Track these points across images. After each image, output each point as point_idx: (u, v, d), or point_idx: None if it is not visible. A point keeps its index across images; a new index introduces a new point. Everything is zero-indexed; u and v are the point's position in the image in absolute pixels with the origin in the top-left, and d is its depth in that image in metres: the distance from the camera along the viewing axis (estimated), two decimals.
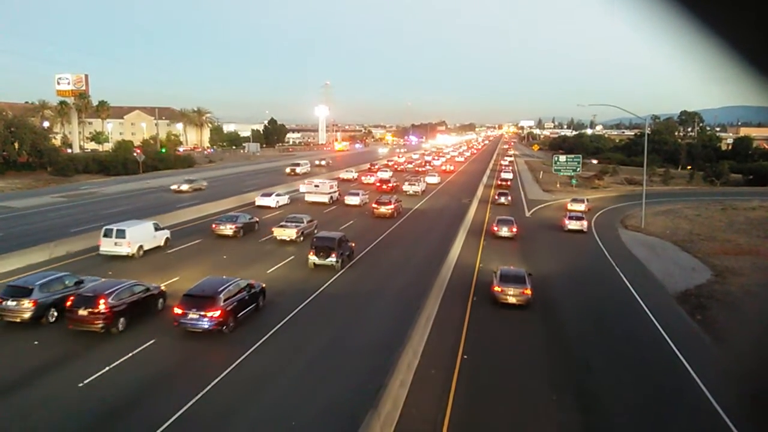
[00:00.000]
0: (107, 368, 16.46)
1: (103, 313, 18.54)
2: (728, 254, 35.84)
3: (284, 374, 16.70)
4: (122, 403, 14.64)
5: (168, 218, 38.13)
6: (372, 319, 21.96)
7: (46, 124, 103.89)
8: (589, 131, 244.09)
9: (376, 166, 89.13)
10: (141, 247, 30.12)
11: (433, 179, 73.30)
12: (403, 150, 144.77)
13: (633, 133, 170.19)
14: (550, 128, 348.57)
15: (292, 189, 57.17)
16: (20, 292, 19.52)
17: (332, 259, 27.82)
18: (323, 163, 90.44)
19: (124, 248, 29.13)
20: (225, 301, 19.24)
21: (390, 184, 62.09)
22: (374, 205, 46.22)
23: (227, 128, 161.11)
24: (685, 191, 78.95)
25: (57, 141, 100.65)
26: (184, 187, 56.47)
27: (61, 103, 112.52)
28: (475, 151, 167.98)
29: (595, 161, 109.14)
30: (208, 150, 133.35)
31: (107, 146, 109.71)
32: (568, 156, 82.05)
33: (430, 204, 55.64)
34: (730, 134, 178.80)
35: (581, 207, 51.58)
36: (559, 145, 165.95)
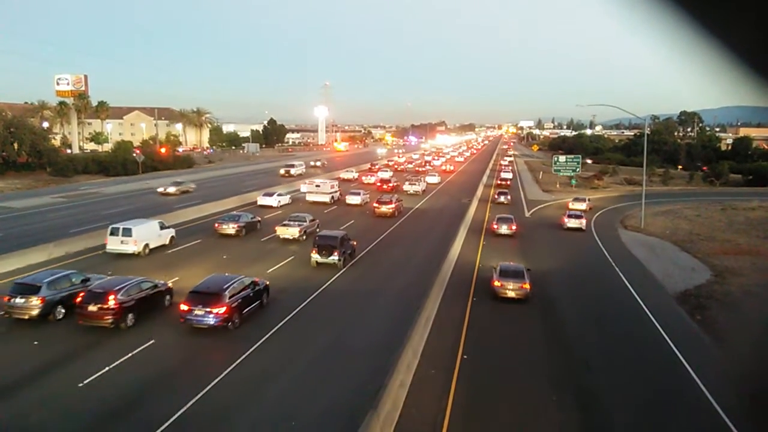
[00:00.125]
0: (118, 362, 16.84)
1: (112, 309, 18.98)
2: (728, 254, 35.85)
3: (286, 373, 16.83)
4: (122, 403, 14.73)
5: (169, 218, 38.09)
6: (373, 318, 22.11)
7: (45, 124, 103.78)
8: (588, 131, 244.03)
9: (377, 166, 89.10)
10: (147, 245, 30.52)
11: (434, 179, 73.78)
12: (401, 150, 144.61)
13: (632, 134, 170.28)
14: (550, 128, 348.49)
15: (293, 189, 57.33)
16: (28, 289, 19.83)
17: (334, 258, 28.17)
18: (318, 164, 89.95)
19: (131, 246, 29.55)
20: (230, 297, 19.58)
21: (391, 184, 62.53)
22: (375, 205, 46.61)
23: (227, 128, 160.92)
24: (684, 191, 78.99)
25: (56, 141, 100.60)
26: (171, 189, 54.67)
27: (61, 103, 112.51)
28: (474, 152, 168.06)
29: (589, 161, 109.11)
30: (208, 150, 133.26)
31: (107, 147, 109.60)
32: (568, 156, 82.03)
33: (430, 203, 56.04)
34: (730, 134, 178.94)
35: (583, 206, 52.26)
36: (558, 146, 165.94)
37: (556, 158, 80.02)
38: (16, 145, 71.16)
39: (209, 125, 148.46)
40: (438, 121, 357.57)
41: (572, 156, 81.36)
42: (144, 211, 41.99)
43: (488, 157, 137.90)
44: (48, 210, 45.63)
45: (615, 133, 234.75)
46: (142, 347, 18.09)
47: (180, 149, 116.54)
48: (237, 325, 19.77)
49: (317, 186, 52.18)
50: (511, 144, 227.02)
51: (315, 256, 28.37)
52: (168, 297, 22.03)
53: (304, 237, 34.65)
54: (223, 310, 19.07)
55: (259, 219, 38.98)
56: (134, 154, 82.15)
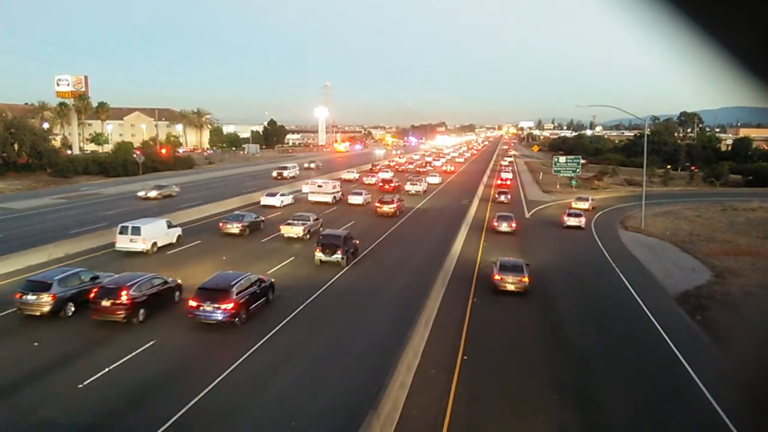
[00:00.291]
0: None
1: (124, 304, 19.54)
2: (728, 255, 35.87)
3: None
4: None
5: (172, 218, 38.15)
6: (376, 315, 22.34)
7: (45, 125, 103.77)
8: (588, 132, 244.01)
9: (378, 167, 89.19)
10: (155, 243, 31.21)
11: (435, 179, 74.44)
12: (399, 151, 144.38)
13: (633, 134, 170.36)
14: (550, 129, 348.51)
15: (296, 189, 57.74)
16: (40, 286, 20.27)
17: (338, 256, 28.54)
18: (313, 165, 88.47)
19: (139, 244, 30.27)
20: (237, 294, 20.02)
21: (392, 184, 63.13)
22: (377, 204, 47.08)
23: (227, 129, 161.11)
24: (684, 192, 79.03)
25: (57, 142, 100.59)
26: (152, 193, 51.99)
27: (61, 104, 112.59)
28: (475, 152, 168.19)
29: (583, 161, 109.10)
30: (208, 151, 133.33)
31: (107, 148, 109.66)
32: (568, 157, 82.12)
33: (431, 203, 56.59)
34: (730, 135, 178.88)
35: (585, 205, 53.74)
36: (558, 146, 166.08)
37: (556, 159, 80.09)
38: (16, 146, 71.16)
39: (209, 126, 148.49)
40: (438, 122, 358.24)
41: (572, 157, 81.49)
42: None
43: (488, 157, 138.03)
44: (48, 211, 45.64)
45: (615, 133, 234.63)
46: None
47: (180, 150, 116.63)
48: (244, 321, 20.20)
49: (319, 186, 52.80)
50: (512, 144, 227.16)
51: (319, 255, 28.76)
52: (177, 293, 22.61)
53: (308, 236, 35.04)
54: (230, 306, 19.52)
55: (263, 219, 39.42)
56: (134, 155, 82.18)
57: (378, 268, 29.55)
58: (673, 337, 20.99)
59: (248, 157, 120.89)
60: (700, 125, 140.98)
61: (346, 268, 28.72)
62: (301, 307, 22.50)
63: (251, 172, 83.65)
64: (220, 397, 14.96)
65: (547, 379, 17.15)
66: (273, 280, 23.77)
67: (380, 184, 64.96)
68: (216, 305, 19.44)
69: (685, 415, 15.42)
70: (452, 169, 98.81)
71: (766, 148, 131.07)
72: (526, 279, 25.16)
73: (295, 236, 35.00)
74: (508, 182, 75.39)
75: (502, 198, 57.35)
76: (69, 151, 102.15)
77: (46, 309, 19.95)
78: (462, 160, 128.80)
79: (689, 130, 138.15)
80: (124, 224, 30.97)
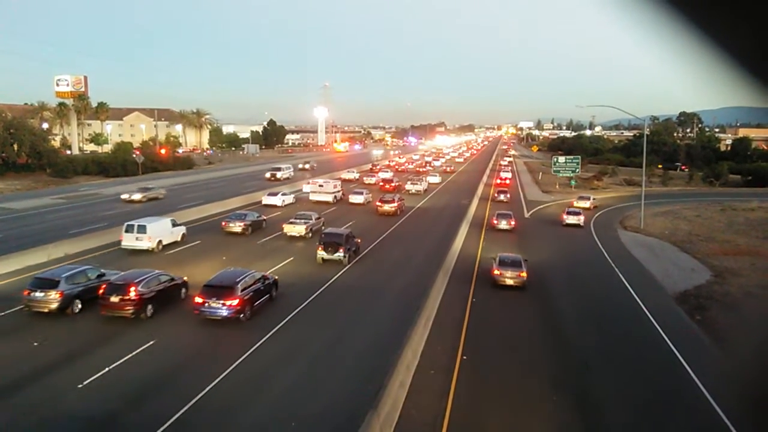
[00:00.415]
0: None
1: (133, 300, 19.96)
2: (727, 255, 35.88)
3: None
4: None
5: (172, 217, 38.37)
6: (377, 313, 22.55)
7: (45, 125, 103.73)
8: (588, 132, 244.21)
9: (378, 167, 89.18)
10: (160, 242, 31.64)
11: (435, 179, 75.09)
12: (397, 151, 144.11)
13: (632, 134, 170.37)
14: (549, 129, 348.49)
15: (297, 189, 58.01)
16: (47, 283, 20.57)
17: (340, 254, 28.86)
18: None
19: (145, 243, 30.70)
20: (242, 291, 20.40)
21: (393, 184, 63.77)
22: (378, 203, 47.47)
23: (226, 129, 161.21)
24: (684, 192, 79.05)
25: (56, 142, 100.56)
26: (137, 196, 49.77)
27: (60, 104, 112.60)
28: (474, 152, 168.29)
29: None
30: (208, 151, 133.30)
31: (106, 148, 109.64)
32: (567, 157, 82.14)
33: (432, 202, 57.12)
34: (729, 135, 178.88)
35: (587, 204, 54.87)
36: (558, 146, 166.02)
37: (555, 159, 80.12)
38: (15, 146, 71.16)
39: (209, 126, 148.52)
40: (437, 122, 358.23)
41: (572, 157, 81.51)
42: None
43: (488, 157, 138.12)
44: (47, 211, 45.61)
45: (614, 133, 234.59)
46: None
47: (180, 150, 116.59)
48: (249, 317, 20.56)
49: (320, 186, 53.37)
50: (511, 144, 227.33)
51: (321, 253, 29.04)
52: (184, 290, 22.98)
53: (310, 234, 35.47)
54: (235, 302, 19.90)
55: (265, 218, 39.86)
56: (134, 155, 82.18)
57: (379, 267, 29.89)
58: (673, 337, 20.99)
59: (248, 158, 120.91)
60: (700, 125, 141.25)
61: (348, 266, 29.03)
62: (304, 304, 22.83)
63: (251, 172, 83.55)
64: (226, 393, 15.20)
65: (547, 379, 17.15)
66: (276, 277, 24.10)
67: (381, 183, 65.47)
68: (221, 302, 19.82)
69: (684, 416, 15.43)
70: (452, 168, 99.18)
71: (765, 148, 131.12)
72: (524, 274, 25.97)
73: (298, 235, 35.42)
74: (508, 181, 76.01)
75: (502, 197, 58.32)
76: (68, 152, 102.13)
77: (54, 306, 20.24)
78: (462, 160, 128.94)
79: (688, 130, 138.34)
80: (130, 223, 31.38)
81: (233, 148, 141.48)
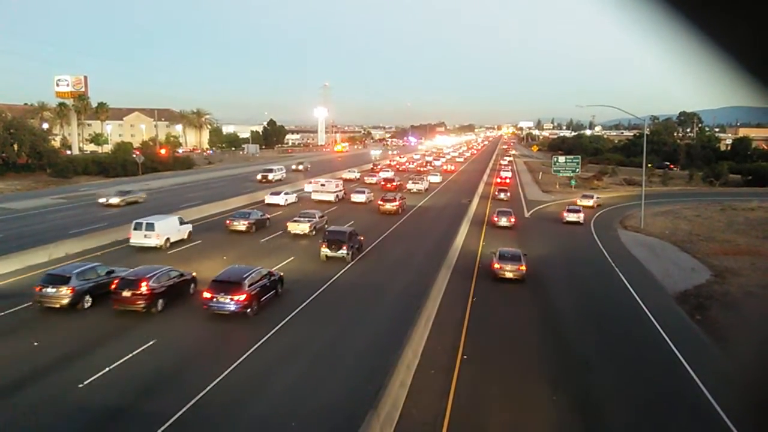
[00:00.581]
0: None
1: (144, 295, 20.52)
2: (727, 254, 35.86)
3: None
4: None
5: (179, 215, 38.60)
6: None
7: (45, 125, 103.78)
8: (588, 132, 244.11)
9: (379, 167, 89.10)
10: (168, 239, 32.14)
11: (436, 178, 75.50)
12: (396, 151, 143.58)
13: (632, 134, 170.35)
14: (549, 129, 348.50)
15: (298, 188, 58.33)
16: (59, 279, 21.06)
17: (343, 252, 29.27)
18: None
19: (153, 240, 31.17)
20: (249, 286, 20.89)
21: (394, 183, 64.42)
22: (380, 202, 47.85)
23: (226, 130, 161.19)
24: (684, 192, 79.03)
25: (56, 143, 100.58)
26: (114, 200, 46.70)
27: (61, 104, 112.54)
28: (474, 152, 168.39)
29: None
30: (208, 151, 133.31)
31: (106, 148, 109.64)
32: (568, 157, 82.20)
33: (433, 201, 57.64)
34: (729, 135, 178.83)
35: (590, 202, 55.91)
36: (558, 146, 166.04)
37: (555, 159, 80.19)
38: (15, 147, 71.19)
39: (209, 126, 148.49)
40: (437, 122, 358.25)
41: (572, 156, 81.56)
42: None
43: (488, 157, 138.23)
44: (48, 211, 45.61)
45: (614, 133, 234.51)
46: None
47: (180, 150, 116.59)
48: (255, 312, 21.01)
49: (322, 185, 54.12)
50: (511, 144, 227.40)
51: (325, 251, 29.44)
52: (192, 285, 23.53)
53: (314, 232, 36.03)
54: (243, 297, 20.36)
55: (269, 216, 40.36)
56: (134, 155, 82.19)
57: (381, 264, 30.31)
58: (673, 336, 20.99)
59: (248, 158, 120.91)
60: (700, 125, 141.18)
61: (351, 263, 29.47)
62: (308, 301, 23.25)
63: (251, 172, 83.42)
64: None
65: (547, 379, 17.15)
66: (282, 273, 24.57)
67: (382, 182, 65.96)
68: (229, 297, 20.28)
69: (685, 415, 15.42)
70: (452, 168, 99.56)
71: (765, 147, 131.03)
72: (523, 267, 26.85)
73: (302, 233, 36.04)
74: (508, 180, 76.58)
75: (502, 195, 59.46)
76: (68, 152, 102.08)
77: (65, 301, 20.72)
78: (462, 159, 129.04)
79: (688, 130, 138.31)
80: (138, 220, 31.98)
81: (233, 148, 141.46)
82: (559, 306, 24.83)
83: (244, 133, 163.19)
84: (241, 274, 21.44)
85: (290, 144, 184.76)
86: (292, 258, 30.31)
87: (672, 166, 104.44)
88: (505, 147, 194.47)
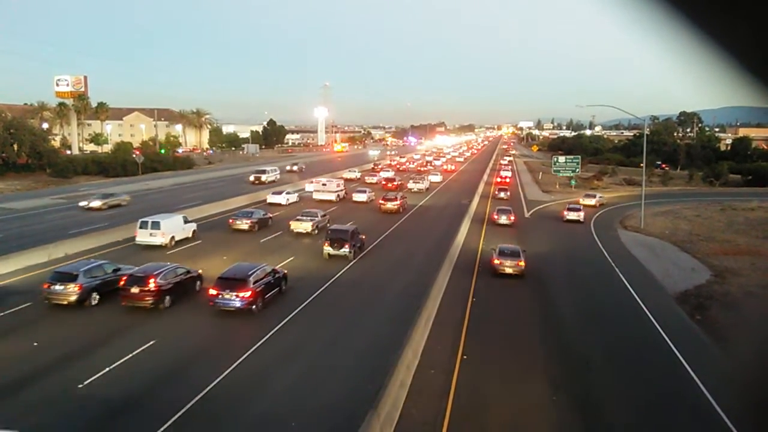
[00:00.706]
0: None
1: (152, 291, 20.95)
2: (727, 254, 35.87)
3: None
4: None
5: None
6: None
7: (45, 125, 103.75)
8: (588, 132, 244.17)
9: (379, 166, 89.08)
10: (173, 237, 32.62)
11: (436, 178, 75.86)
12: (395, 151, 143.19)
13: (632, 134, 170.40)
14: (549, 129, 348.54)
15: (300, 188, 58.52)
16: (67, 277, 21.43)
17: (345, 250, 29.61)
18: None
19: (159, 238, 31.60)
20: (254, 283, 21.24)
21: (395, 182, 64.85)
22: (381, 201, 48.19)
23: (226, 129, 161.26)
24: (684, 192, 79.06)
25: (56, 142, 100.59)
26: (96, 203, 44.66)
27: (60, 104, 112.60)
28: (474, 152, 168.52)
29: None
30: (207, 151, 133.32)
31: (106, 148, 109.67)
32: (568, 157, 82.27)
33: (433, 200, 58.05)
34: (729, 135, 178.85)
35: (592, 201, 56.78)
36: (558, 146, 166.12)
37: (555, 159, 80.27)
38: (15, 147, 71.20)
39: (209, 126, 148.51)
40: (437, 122, 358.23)
41: (572, 156, 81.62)
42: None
43: (488, 157, 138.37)
44: (47, 211, 45.60)
45: (614, 133, 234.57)
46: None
47: (180, 150, 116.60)
48: (260, 308, 21.35)
49: (324, 185, 54.53)
50: (511, 144, 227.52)
51: (327, 249, 29.79)
52: (198, 282, 23.89)
53: (316, 231, 36.48)
54: (248, 294, 20.70)
55: (271, 215, 40.72)
56: (134, 155, 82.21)
57: (382, 263, 30.58)
58: (673, 336, 20.99)
59: (248, 157, 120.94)
60: (700, 125, 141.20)
61: (353, 261, 29.74)
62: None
63: (250, 172, 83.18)
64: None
65: (548, 379, 17.15)
66: (286, 271, 24.93)
67: (383, 182, 66.24)
68: (235, 293, 20.61)
69: (685, 416, 15.43)
70: (453, 168, 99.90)
71: (765, 147, 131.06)
72: (522, 263, 27.57)
73: (304, 231, 36.49)
74: (508, 180, 77.01)
75: (502, 195, 60.28)
76: (68, 152, 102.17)
77: (73, 298, 21.04)
78: (462, 159, 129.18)
79: (689, 130, 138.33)
80: (144, 219, 32.29)
81: (233, 148, 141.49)
82: (559, 306, 24.83)
83: (244, 133, 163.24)
84: (246, 271, 21.74)
85: (290, 144, 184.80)
86: (294, 256, 30.57)
87: (664, 165, 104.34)
88: (505, 147, 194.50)
